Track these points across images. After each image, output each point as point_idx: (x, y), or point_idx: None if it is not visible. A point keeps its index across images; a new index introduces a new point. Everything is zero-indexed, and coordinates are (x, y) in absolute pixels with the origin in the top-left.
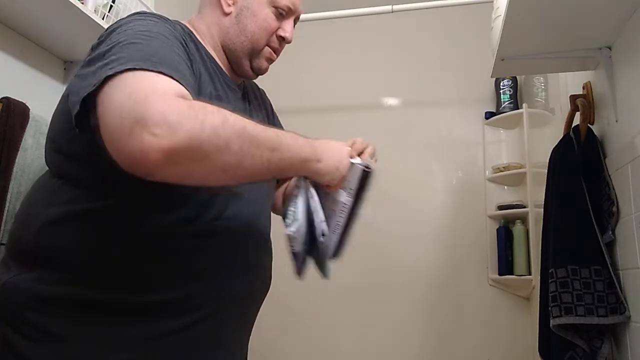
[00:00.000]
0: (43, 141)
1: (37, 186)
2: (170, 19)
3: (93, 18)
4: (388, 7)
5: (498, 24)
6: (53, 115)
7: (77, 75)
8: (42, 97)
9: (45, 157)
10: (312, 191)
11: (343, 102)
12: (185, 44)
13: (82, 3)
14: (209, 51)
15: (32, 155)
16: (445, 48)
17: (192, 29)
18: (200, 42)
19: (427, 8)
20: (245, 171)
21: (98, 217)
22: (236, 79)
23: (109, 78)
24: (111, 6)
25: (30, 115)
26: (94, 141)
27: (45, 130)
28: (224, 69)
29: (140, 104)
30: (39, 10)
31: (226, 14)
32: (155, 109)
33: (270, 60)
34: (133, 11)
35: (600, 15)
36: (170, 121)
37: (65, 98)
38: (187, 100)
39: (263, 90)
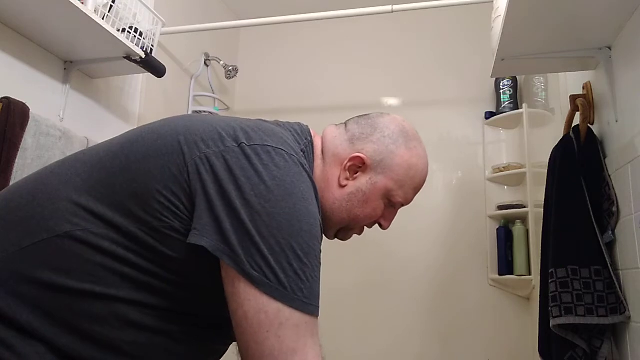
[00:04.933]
0: (43, 141)
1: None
2: (303, 158)
3: (93, 18)
4: (388, 7)
5: (498, 24)
6: (138, 162)
7: (216, 206)
8: (42, 97)
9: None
10: None
11: (343, 102)
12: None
13: (82, 3)
14: None
15: (32, 155)
16: (445, 48)
17: (314, 157)
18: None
19: (427, 8)
20: None
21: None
22: None
23: (282, 302)
24: (111, 6)
25: (30, 115)
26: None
27: (46, 130)
28: None
29: None
30: (39, 10)
31: (341, 186)
32: None
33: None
34: (133, 12)
35: (600, 15)
36: None
37: (175, 164)
38: None
39: None
